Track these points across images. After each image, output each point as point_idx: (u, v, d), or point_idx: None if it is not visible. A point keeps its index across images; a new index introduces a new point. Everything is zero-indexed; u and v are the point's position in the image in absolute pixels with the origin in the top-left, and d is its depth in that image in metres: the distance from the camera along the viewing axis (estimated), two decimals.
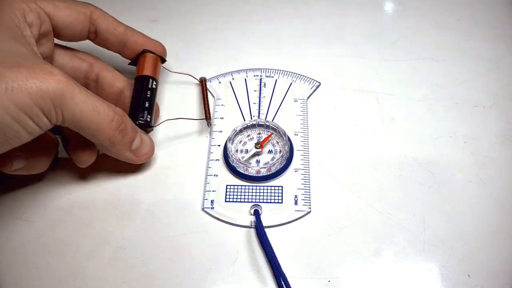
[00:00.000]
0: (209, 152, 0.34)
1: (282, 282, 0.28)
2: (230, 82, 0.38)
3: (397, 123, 0.36)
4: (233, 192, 0.32)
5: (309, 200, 0.32)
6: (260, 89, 0.38)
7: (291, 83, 0.38)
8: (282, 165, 0.33)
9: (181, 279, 0.29)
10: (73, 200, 0.32)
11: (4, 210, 0.32)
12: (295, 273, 0.29)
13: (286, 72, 0.39)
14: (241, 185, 0.32)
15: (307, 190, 0.32)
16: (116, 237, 0.30)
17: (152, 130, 0.33)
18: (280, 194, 0.32)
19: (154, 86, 0.34)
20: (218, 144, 0.34)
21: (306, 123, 0.35)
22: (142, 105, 0.33)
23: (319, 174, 0.33)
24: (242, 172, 0.32)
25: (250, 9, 0.39)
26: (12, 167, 0.29)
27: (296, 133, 0.35)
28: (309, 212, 0.31)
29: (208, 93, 0.37)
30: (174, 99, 0.38)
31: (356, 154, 0.34)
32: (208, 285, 0.28)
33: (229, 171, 0.33)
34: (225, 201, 0.32)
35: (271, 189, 0.32)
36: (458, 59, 0.40)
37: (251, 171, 0.32)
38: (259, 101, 0.37)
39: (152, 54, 0.35)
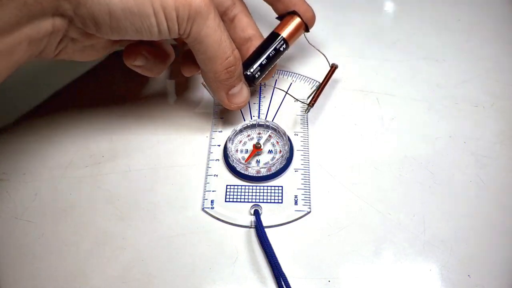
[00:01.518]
0: (209, 152, 0.34)
1: (282, 282, 0.28)
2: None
3: (397, 123, 0.36)
4: (233, 192, 0.32)
5: (309, 200, 0.32)
6: (260, 89, 0.38)
7: (291, 83, 0.38)
8: (282, 165, 0.33)
9: (181, 279, 0.29)
10: (73, 200, 0.32)
11: (4, 210, 0.32)
12: (295, 273, 0.29)
13: (286, 72, 0.39)
14: (241, 185, 0.32)
15: (307, 190, 0.32)
16: (116, 237, 0.30)
17: (254, 87, 0.34)
18: (280, 194, 0.32)
19: (281, 49, 0.34)
20: (218, 144, 0.34)
21: (306, 123, 0.35)
22: (259, 60, 0.33)
23: (319, 174, 0.33)
24: (242, 172, 0.32)
25: (250, 9, 0.39)
26: (134, 62, 0.31)
27: (296, 133, 0.35)
28: (309, 212, 0.31)
29: (209, 94, 0.37)
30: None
31: (356, 154, 0.34)
32: (208, 285, 0.28)
33: (229, 171, 0.33)
34: (225, 201, 0.32)
35: (271, 189, 0.32)
36: (458, 59, 0.40)
37: (251, 171, 0.32)
38: (259, 101, 0.37)
39: (298, 19, 0.35)
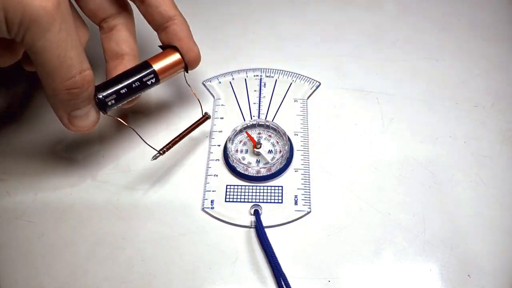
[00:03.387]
0: (209, 152, 0.34)
1: (282, 282, 0.28)
2: (230, 82, 0.38)
3: (397, 123, 0.36)
4: (233, 192, 0.32)
5: (309, 200, 0.32)
6: (260, 89, 0.38)
7: (291, 83, 0.38)
8: (282, 165, 0.33)
9: (181, 279, 0.29)
10: (73, 200, 0.32)
11: (4, 210, 0.32)
12: (295, 273, 0.29)
13: (286, 72, 0.39)
14: (241, 185, 0.32)
15: (307, 190, 0.32)
16: (116, 237, 0.30)
17: (105, 114, 0.29)
18: (280, 194, 0.32)
19: (149, 83, 0.30)
20: (218, 144, 0.34)
21: (306, 123, 0.35)
22: (118, 87, 0.29)
23: (319, 174, 0.33)
24: (242, 172, 0.32)
25: (250, 9, 0.39)
26: None
27: (296, 133, 0.35)
28: (309, 212, 0.31)
29: (209, 94, 0.37)
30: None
31: (356, 154, 0.34)
32: (208, 285, 0.28)
33: (229, 171, 0.33)
34: (225, 201, 0.32)
35: (271, 189, 0.32)
36: (458, 59, 0.40)
37: (251, 171, 0.32)
38: (259, 101, 0.37)
39: (178, 56, 0.31)
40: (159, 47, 0.32)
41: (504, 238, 0.30)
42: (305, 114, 0.36)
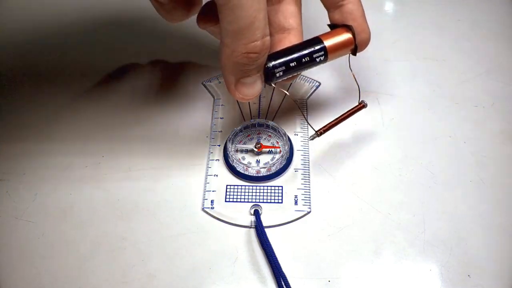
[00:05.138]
0: (209, 152, 0.34)
1: (282, 282, 0.28)
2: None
3: (397, 123, 0.36)
4: (233, 192, 0.32)
5: (309, 200, 0.32)
6: None
7: (291, 83, 0.38)
8: (282, 165, 0.33)
9: (181, 279, 0.29)
10: (73, 200, 0.32)
11: (4, 210, 0.32)
12: (295, 273, 0.29)
13: None
14: (241, 185, 0.32)
15: (307, 190, 0.32)
16: (116, 237, 0.30)
17: (270, 85, 0.28)
18: (280, 194, 0.32)
19: (317, 60, 0.29)
20: (218, 144, 0.34)
21: (306, 123, 0.35)
22: (288, 58, 0.28)
23: (319, 174, 0.33)
24: (242, 172, 0.32)
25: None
26: None
27: (296, 133, 0.35)
28: (309, 212, 0.31)
29: (210, 94, 0.37)
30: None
31: (356, 154, 0.34)
32: (208, 285, 0.28)
33: (229, 171, 0.33)
34: (225, 201, 0.32)
35: (271, 189, 0.32)
36: (458, 59, 0.40)
37: (251, 171, 0.32)
38: (259, 101, 0.37)
39: (350, 35, 0.29)
40: (328, 26, 0.31)
41: (504, 238, 0.30)
42: (305, 114, 0.36)
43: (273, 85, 0.28)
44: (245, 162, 0.33)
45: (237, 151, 0.34)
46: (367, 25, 0.30)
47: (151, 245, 0.30)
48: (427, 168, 0.33)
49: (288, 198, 0.32)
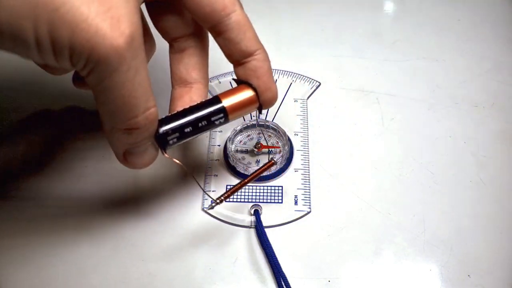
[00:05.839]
0: (209, 152, 0.34)
1: (282, 282, 0.28)
2: (230, 82, 0.38)
3: (397, 123, 0.36)
4: None
5: (309, 200, 0.32)
6: None
7: (291, 83, 0.38)
8: (282, 165, 0.33)
9: (181, 279, 0.29)
10: (73, 200, 0.32)
11: (5, 210, 0.32)
12: (295, 273, 0.29)
13: (286, 72, 0.39)
14: None
15: (307, 190, 0.32)
16: (116, 237, 0.30)
17: (163, 154, 0.26)
18: (280, 194, 0.32)
19: (216, 122, 0.26)
20: (218, 144, 0.34)
21: (306, 123, 0.36)
22: (182, 124, 0.25)
23: (319, 174, 0.33)
24: (242, 172, 0.32)
25: (250, 9, 0.38)
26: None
27: (296, 133, 0.35)
28: (309, 212, 0.31)
29: (210, 94, 0.37)
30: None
31: (356, 154, 0.34)
32: (208, 285, 0.28)
33: (229, 171, 0.33)
34: (225, 201, 0.32)
35: (271, 189, 0.32)
36: (458, 59, 0.40)
37: (251, 171, 0.32)
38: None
39: (252, 93, 0.27)
40: (233, 80, 0.28)
41: (504, 238, 0.30)
42: (305, 114, 0.36)
43: (166, 155, 0.25)
44: (245, 162, 0.33)
45: (237, 151, 0.34)
46: (273, 82, 0.27)
47: (151, 245, 0.30)
48: (427, 168, 0.33)
49: (288, 198, 0.32)
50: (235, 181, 0.32)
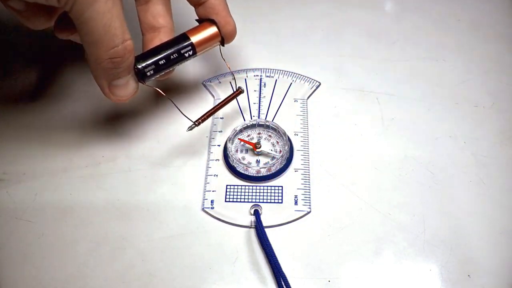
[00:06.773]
0: (209, 152, 0.34)
1: (282, 282, 0.28)
2: (230, 82, 0.38)
3: (397, 123, 0.36)
4: (233, 192, 0.32)
5: (309, 200, 0.32)
6: (260, 89, 0.38)
7: (291, 83, 0.38)
8: (282, 165, 0.33)
9: (181, 279, 0.29)
10: (73, 200, 0.32)
11: (4, 210, 0.32)
12: (295, 273, 0.29)
13: (286, 72, 0.39)
14: (241, 185, 0.32)
15: (307, 190, 0.32)
16: (116, 237, 0.30)
17: (143, 84, 0.30)
18: (280, 194, 0.32)
19: (186, 55, 0.31)
20: (218, 144, 0.34)
21: (306, 123, 0.36)
22: (156, 58, 0.30)
23: (319, 174, 0.33)
24: (242, 172, 0.32)
25: (250, 9, 0.39)
26: (9, 1, 0.27)
27: (296, 133, 0.35)
28: (309, 212, 0.31)
29: (209, 94, 0.37)
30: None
31: (356, 154, 0.34)
32: (208, 285, 0.28)
33: (229, 171, 0.33)
34: (225, 201, 0.32)
35: (271, 189, 0.32)
36: (458, 59, 0.40)
37: (251, 171, 0.32)
38: (259, 101, 0.37)
39: (215, 29, 0.31)
40: (196, 21, 0.32)
41: (504, 238, 0.30)
42: (305, 114, 0.36)
43: (146, 84, 0.30)
44: (245, 162, 0.33)
45: (237, 151, 0.34)
46: (231, 17, 0.32)
47: (151, 245, 0.30)
48: (427, 168, 0.33)
49: (288, 198, 0.32)
50: (235, 181, 0.33)
